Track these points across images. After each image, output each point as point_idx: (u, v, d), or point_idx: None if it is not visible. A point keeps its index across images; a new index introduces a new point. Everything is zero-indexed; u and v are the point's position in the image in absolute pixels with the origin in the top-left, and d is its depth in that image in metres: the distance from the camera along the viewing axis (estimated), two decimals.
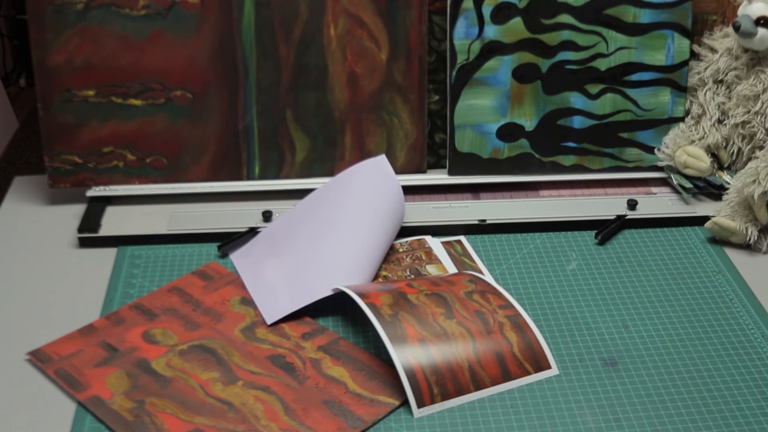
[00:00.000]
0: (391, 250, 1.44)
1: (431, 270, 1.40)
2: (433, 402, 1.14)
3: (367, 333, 1.27)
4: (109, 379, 1.18)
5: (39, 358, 1.22)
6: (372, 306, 1.21)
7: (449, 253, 1.44)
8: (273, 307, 1.31)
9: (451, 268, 1.40)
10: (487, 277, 1.35)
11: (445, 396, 1.15)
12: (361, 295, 1.23)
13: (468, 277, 1.33)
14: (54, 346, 1.24)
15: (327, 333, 1.27)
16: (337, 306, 1.32)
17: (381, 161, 1.49)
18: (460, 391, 1.16)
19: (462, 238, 1.49)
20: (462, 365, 1.17)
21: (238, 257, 1.43)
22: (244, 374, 1.19)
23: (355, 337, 1.27)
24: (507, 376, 1.18)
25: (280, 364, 1.21)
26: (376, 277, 1.38)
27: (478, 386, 1.17)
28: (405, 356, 1.16)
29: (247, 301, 1.33)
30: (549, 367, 1.21)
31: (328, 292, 1.29)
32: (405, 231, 1.48)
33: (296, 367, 1.21)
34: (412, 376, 1.15)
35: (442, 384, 1.15)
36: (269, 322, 1.29)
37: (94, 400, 1.15)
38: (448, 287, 1.28)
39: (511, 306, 1.27)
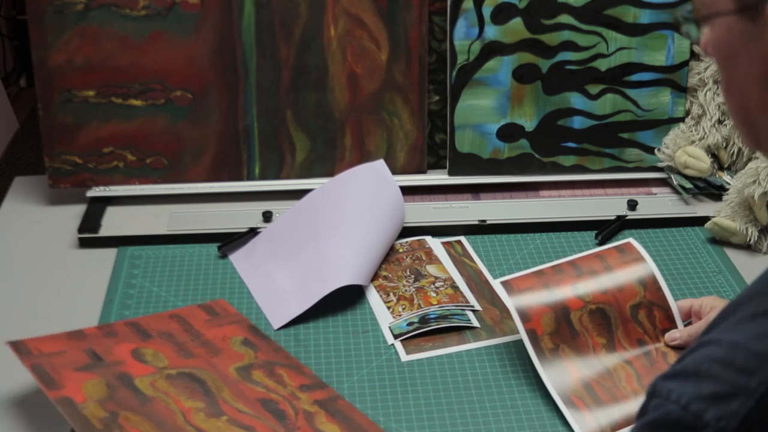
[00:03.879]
0: (392, 250, 1.44)
1: (431, 270, 1.40)
2: None
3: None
4: (86, 385, 1.10)
5: (18, 349, 1.14)
6: (533, 335, 1.16)
7: (449, 254, 1.44)
8: (279, 312, 1.31)
9: (451, 268, 1.40)
10: (653, 269, 1.23)
11: (615, 427, 1.11)
12: (523, 314, 1.16)
13: (638, 269, 1.23)
14: (36, 342, 1.16)
15: (326, 389, 1.17)
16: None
17: (379, 166, 1.49)
18: (630, 420, 1.10)
19: (462, 238, 1.49)
20: (628, 398, 1.14)
21: (238, 258, 1.43)
22: (230, 410, 1.10)
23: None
24: None
25: (270, 409, 1.12)
26: (376, 277, 1.38)
27: None
28: (569, 397, 1.13)
29: (250, 343, 1.24)
30: None
31: (329, 290, 1.29)
32: (405, 231, 1.48)
33: (287, 415, 1.11)
34: (581, 421, 1.11)
35: (613, 423, 1.11)
36: (276, 327, 1.28)
37: (65, 401, 1.07)
38: (614, 297, 1.20)
39: (675, 324, 1.21)
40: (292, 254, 1.39)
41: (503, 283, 1.20)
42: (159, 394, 1.10)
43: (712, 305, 1.20)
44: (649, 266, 1.23)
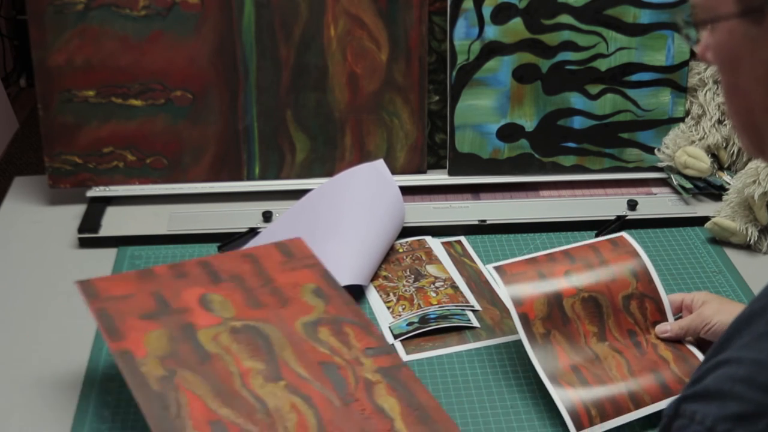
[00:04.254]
0: (392, 250, 1.44)
1: (431, 270, 1.40)
2: (592, 424, 1.10)
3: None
4: (148, 337, 1.07)
5: (86, 291, 1.12)
6: (524, 319, 1.17)
7: (449, 254, 1.44)
8: None
9: (451, 268, 1.40)
10: (646, 262, 1.25)
11: (604, 417, 1.11)
12: (516, 299, 1.18)
13: (631, 261, 1.24)
14: (105, 282, 1.14)
15: (393, 355, 1.12)
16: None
17: (379, 166, 1.49)
18: (620, 411, 1.12)
19: (462, 238, 1.49)
20: (617, 383, 1.14)
21: None
22: (289, 375, 1.07)
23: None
24: (668, 392, 1.14)
25: (330, 374, 1.08)
26: (376, 277, 1.38)
27: (638, 404, 1.12)
28: (557, 380, 1.13)
29: (321, 293, 1.19)
30: None
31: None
32: (405, 231, 1.48)
33: (347, 383, 1.07)
34: (566, 399, 1.12)
35: (599, 406, 1.12)
36: None
37: (126, 355, 1.05)
38: (607, 287, 1.21)
39: (665, 317, 1.22)
40: None
41: (496, 268, 1.21)
42: (220, 350, 1.08)
43: (703, 300, 1.20)
44: (642, 259, 1.24)
